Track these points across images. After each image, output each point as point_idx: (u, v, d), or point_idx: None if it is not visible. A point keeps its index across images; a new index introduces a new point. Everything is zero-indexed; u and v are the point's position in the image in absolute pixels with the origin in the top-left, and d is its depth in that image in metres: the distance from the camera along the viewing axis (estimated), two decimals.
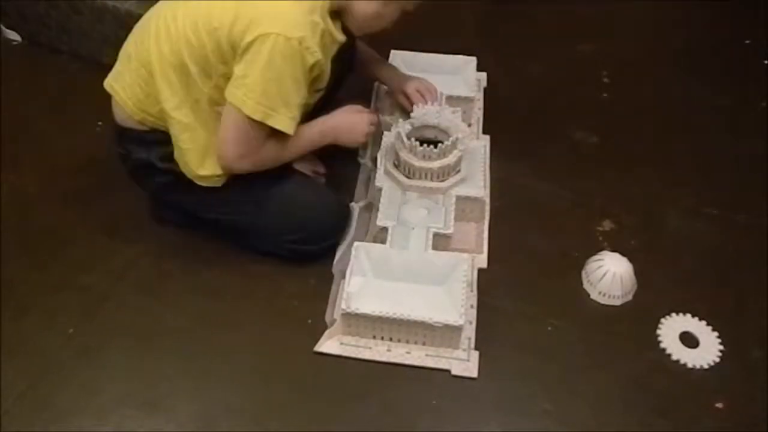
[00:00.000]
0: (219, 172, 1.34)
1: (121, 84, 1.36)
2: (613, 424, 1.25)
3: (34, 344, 1.35)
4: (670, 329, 1.39)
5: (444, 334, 1.30)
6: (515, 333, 1.38)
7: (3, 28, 2.05)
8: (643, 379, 1.32)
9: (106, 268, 1.47)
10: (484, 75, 1.90)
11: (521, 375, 1.32)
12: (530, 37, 2.12)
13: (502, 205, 1.59)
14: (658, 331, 1.38)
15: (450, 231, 1.42)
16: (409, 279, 1.36)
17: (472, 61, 1.81)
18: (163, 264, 1.49)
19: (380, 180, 1.52)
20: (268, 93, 1.21)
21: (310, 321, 1.39)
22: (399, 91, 1.64)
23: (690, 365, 1.33)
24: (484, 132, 1.75)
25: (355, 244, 1.39)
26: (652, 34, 2.17)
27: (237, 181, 1.37)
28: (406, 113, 1.64)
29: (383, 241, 1.41)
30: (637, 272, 1.45)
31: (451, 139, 1.48)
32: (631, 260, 1.45)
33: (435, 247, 1.40)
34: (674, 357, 1.34)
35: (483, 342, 1.35)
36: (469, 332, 1.35)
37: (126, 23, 1.80)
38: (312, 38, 1.21)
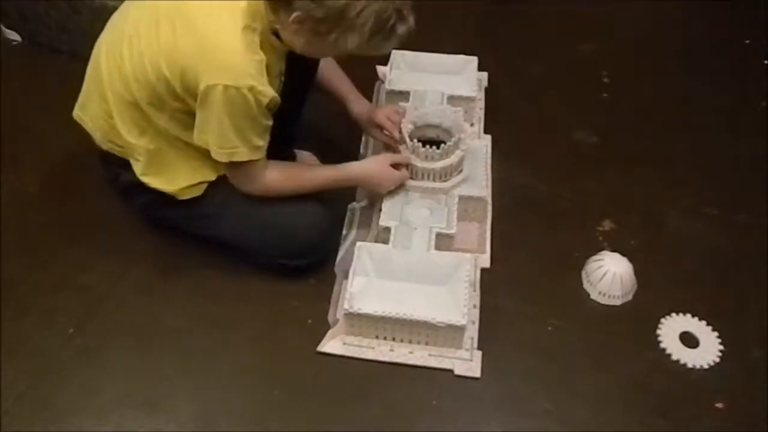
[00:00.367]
0: (193, 181, 1.35)
1: (88, 115, 1.38)
2: (613, 424, 1.25)
3: (34, 344, 1.35)
4: (670, 329, 1.39)
5: (447, 334, 1.30)
6: (515, 333, 1.38)
7: (3, 28, 2.05)
8: (643, 379, 1.32)
9: (106, 268, 1.47)
10: (485, 75, 1.90)
11: (521, 375, 1.32)
12: (530, 37, 2.12)
13: (502, 205, 1.59)
14: (658, 331, 1.38)
15: (453, 231, 1.42)
16: (412, 279, 1.36)
17: (473, 60, 1.81)
18: (163, 264, 1.49)
19: None
20: (227, 137, 1.22)
21: (310, 321, 1.39)
22: (371, 125, 1.54)
23: (690, 365, 1.33)
24: (485, 132, 1.75)
25: (358, 244, 1.39)
26: (652, 34, 2.17)
27: (217, 199, 1.37)
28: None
29: (386, 242, 1.41)
30: (637, 272, 1.45)
31: (453, 139, 1.48)
32: (631, 260, 1.45)
33: (438, 247, 1.40)
34: (674, 357, 1.34)
35: (484, 342, 1.35)
36: (472, 332, 1.36)
37: None
38: (261, 81, 1.19)
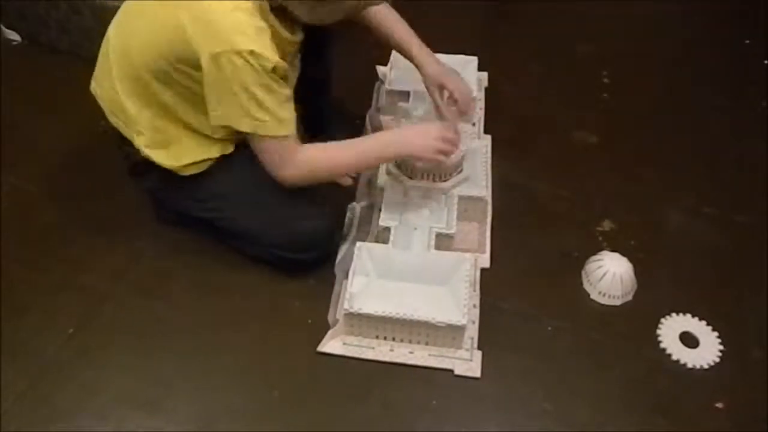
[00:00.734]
0: (197, 158, 1.34)
1: (101, 88, 1.39)
2: (613, 424, 1.25)
3: (34, 344, 1.35)
4: (670, 329, 1.39)
5: (447, 334, 1.30)
6: (515, 333, 1.38)
7: (3, 28, 2.05)
8: (643, 379, 1.32)
9: (106, 268, 1.47)
10: (485, 75, 1.89)
11: (521, 375, 1.32)
12: (530, 37, 2.12)
13: (501, 205, 1.59)
14: (658, 331, 1.38)
15: (452, 231, 1.42)
16: (412, 279, 1.36)
17: (473, 60, 1.81)
18: (163, 264, 1.49)
19: (382, 180, 1.52)
20: (247, 108, 1.20)
21: (310, 321, 1.39)
22: (436, 83, 1.50)
23: (690, 365, 1.33)
24: (485, 132, 1.75)
25: (358, 244, 1.39)
26: (652, 34, 2.17)
27: (223, 179, 1.36)
28: (407, 114, 1.64)
29: (386, 241, 1.41)
30: (637, 272, 1.45)
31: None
32: (631, 260, 1.45)
33: (438, 247, 1.40)
34: (674, 357, 1.34)
35: (483, 342, 1.35)
36: (472, 332, 1.36)
37: None
38: (262, 45, 1.17)
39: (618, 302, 1.43)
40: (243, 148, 1.34)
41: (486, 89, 1.87)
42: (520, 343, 1.36)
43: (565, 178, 1.69)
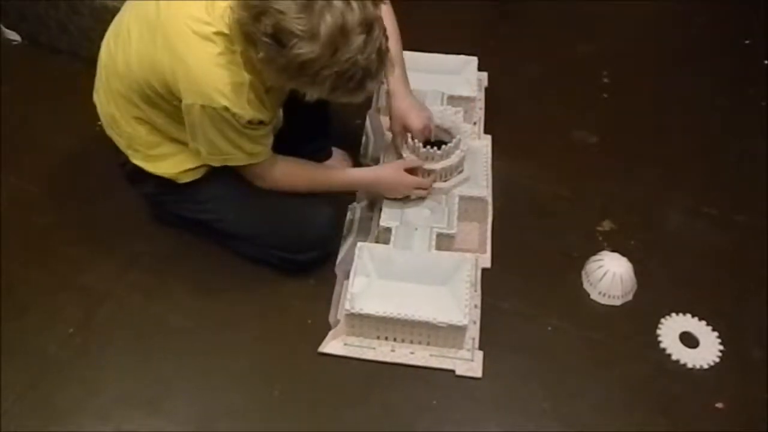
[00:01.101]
0: (193, 165, 1.35)
1: (98, 100, 1.39)
2: (613, 424, 1.25)
3: (34, 344, 1.35)
4: (670, 329, 1.39)
5: (448, 334, 1.30)
6: (515, 333, 1.38)
7: (3, 28, 2.05)
8: (643, 379, 1.32)
9: (106, 268, 1.47)
10: (485, 75, 1.89)
11: (521, 375, 1.32)
12: (530, 37, 2.12)
13: (501, 204, 1.59)
14: (658, 331, 1.38)
15: (453, 231, 1.42)
16: (413, 279, 1.36)
17: (473, 60, 1.81)
18: (163, 264, 1.49)
19: None
20: (217, 147, 1.24)
21: (310, 321, 1.39)
22: (399, 124, 1.49)
23: (690, 365, 1.33)
24: (485, 132, 1.75)
25: (359, 244, 1.39)
26: (652, 34, 2.17)
27: (222, 181, 1.37)
28: None
29: (387, 242, 1.41)
30: (637, 272, 1.45)
31: (455, 139, 1.48)
32: (631, 260, 1.45)
33: (438, 247, 1.40)
34: (674, 357, 1.34)
35: (483, 342, 1.35)
36: (473, 332, 1.36)
37: None
38: (237, 103, 1.18)
39: (618, 302, 1.43)
40: None
41: (486, 89, 1.87)
42: (520, 343, 1.36)
43: (565, 178, 1.69)
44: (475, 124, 1.74)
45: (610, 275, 1.42)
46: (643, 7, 2.24)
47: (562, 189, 1.66)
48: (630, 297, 1.45)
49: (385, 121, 1.69)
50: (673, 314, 1.41)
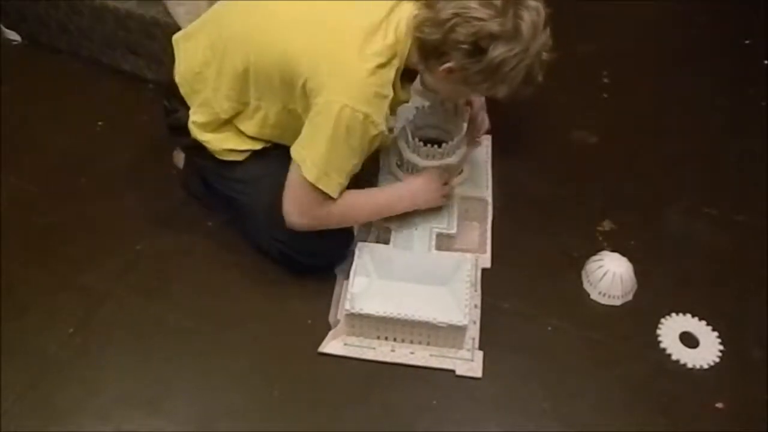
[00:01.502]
0: (239, 148, 1.36)
1: (187, 47, 1.36)
2: (613, 424, 1.25)
3: (34, 344, 1.35)
4: (670, 329, 1.39)
5: (448, 334, 1.30)
6: (515, 333, 1.38)
7: (3, 28, 2.05)
8: (643, 379, 1.32)
9: (106, 268, 1.47)
10: None
11: (521, 375, 1.32)
12: None
13: (501, 204, 1.59)
14: (658, 331, 1.38)
15: (453, 231, 1.43)
16: (413, 279, 1.36)
17: None
18: (163, 264, 1.49)
19: (384, 180, 1.52)
20: (326, 157, 1.22)
21: (310, 321, 1.39)
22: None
23: (690, 365, 1.33)
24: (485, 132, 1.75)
25: (359, 244, 1.39)
26: (652, 34, 2.17)
27: (256, 167, 1.37)
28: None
29: (387, 242, 1.41)
30: (637, 272, 1.45)
31: (456, 139, 1.48)
32: (631, 260, 1.45)
33: (438, 247, 1.40)
34: (674, 357, 1.34)
35: (483, 342, 1.35)
36: (473, 332, 1.36)
37: (126, 23, 1.80)
38: (378, 113, 1.20)
39: (618, 302, 1.43)
40: (281, 145, 1.36)
41: None
42: (520, 343, 1.36)
43: (565, 178, 1.69)
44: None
45: (610, 275, 1.42)
46: (643, 7, 2.24)
47: (562, 189, 1.66)
48: (630, 297, 1.45)
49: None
50: (673, 314, 1.41)
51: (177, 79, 1.36)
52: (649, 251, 1.52)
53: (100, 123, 1.79)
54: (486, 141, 1.70)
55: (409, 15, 1.19)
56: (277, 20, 1.25)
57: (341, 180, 1.26)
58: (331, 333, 1.35)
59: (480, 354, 1.33)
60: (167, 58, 1.42)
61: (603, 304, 1.44)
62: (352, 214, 1.38)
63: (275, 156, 1.35)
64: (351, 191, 1.32)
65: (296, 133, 1.25)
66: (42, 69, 1.96)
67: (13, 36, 2.05)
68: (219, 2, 1.36)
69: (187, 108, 1.36)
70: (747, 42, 2.11)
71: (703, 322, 1.39)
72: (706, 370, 1.33)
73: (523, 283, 1.46)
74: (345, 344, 1.34)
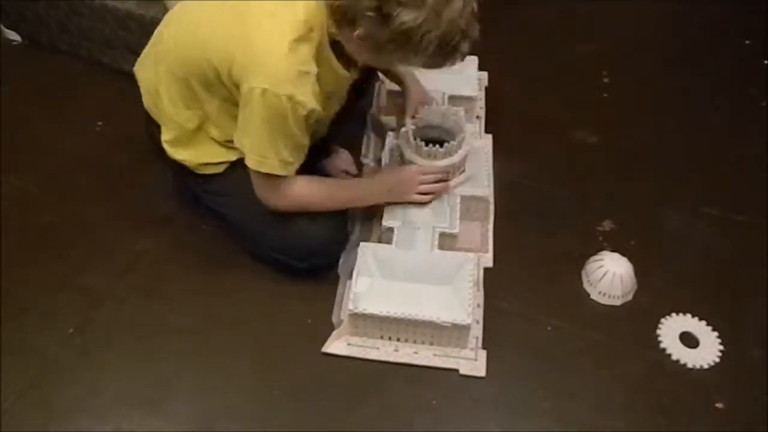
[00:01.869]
0: (215, 160, 1.37)
1: (142, 73, 1.41)
2: (613, 424, 1.25)
3: (34, 344, 1.35)
4: (670, 329, 1.39)
5: (452, 334, 1.30)
6: (515, 333, 1.38)
7: (3, 28, 2.05)
8: (643, 379, 1.32)
9: (106, 268, 1.47)
10: (485, 74, 1.90)
11: (521, 375, 1.32)
12: (530, 37, 2.12)
13: (501, 204, 1.59)
14: (658, 331, 1.38)
15: (456, 230, 1.43)
16: (416, 279, 1.36)
17: (473, 60, 1.81)
18: (163, 264, 1.49)
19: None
20: (260, 143, 1.23)
21: (310, 321, 1.39)
22: (419, 102, 1.56)
23: (690, 365, 1.33)
24: (486, 131, 1.75)
25: (362, 244, 1.39)
26: (652, 34, 2.17)
27: (233, 179, 1.38)
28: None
29: (389, 242, 1.41)
30: (637, 272, 1.45)
31: (458, 138, 1.48)
32: (631, 260, 1.45)
33: (441, 247, 1.40)
34: (674, 357, 1.34)
35: (484, 341, 1.35)
36: (477, 331, 1.36)
37: (126, 23, 1.81)
38: (303, 92, 1.18)
39: (618, 302, 1.43)
40: None
41: (486, 89, 1.87)
42: (521, 343, 1.36)
43: (565, 178, 1.69)
44: (478, 117, 1.74)
45: (610, 275, 1.42)
46: (643, 7, 2.24)
47: (562, 189, 1.66)
48: (630, 297, 1.45)
49: (386, 120, 1.69)
50: (673, 314, 1.41)
51: (146, 105, 1.41)
52: (649, 251, 1.52)
53: (100, 123, 1.79)
54: (487, 140, 1.71)
55: None
56: (197, 22, 1.26)
57: (285, 158, 1.25)
58: (334, 333, 1.35)
59: (483, 353, 1.33)
60: None
61: (603, 304, 1.44)
62: (330, 199, 1.39)
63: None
64: (331, 179, 1.37)
65: None
66: (42, 69, 1.96)
67: (13, 36, 2.05)
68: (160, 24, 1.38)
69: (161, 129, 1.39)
70: (747, 42, 2.11)
71: (703, 322, 1.39)
72: (706, 370, 1.33)
73: (523, 283, 1.46)
74: (348, 344, 1.34)
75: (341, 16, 1.15)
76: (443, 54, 1.16)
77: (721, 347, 1.36)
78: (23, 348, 1.34)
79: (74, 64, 1.95)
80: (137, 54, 1.43)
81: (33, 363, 1.32)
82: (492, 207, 1.57)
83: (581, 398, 1.29)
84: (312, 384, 1.30)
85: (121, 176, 1.65)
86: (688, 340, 1.37)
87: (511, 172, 1.67)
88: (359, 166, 1.67)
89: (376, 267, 1.37)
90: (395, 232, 1.42)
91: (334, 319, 1.38)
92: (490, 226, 1.55)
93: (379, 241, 1.45)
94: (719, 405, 1.28)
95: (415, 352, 1.33)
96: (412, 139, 1.47)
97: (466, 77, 1.77)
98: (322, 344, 1.34)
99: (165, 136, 1.38)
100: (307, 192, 1.35)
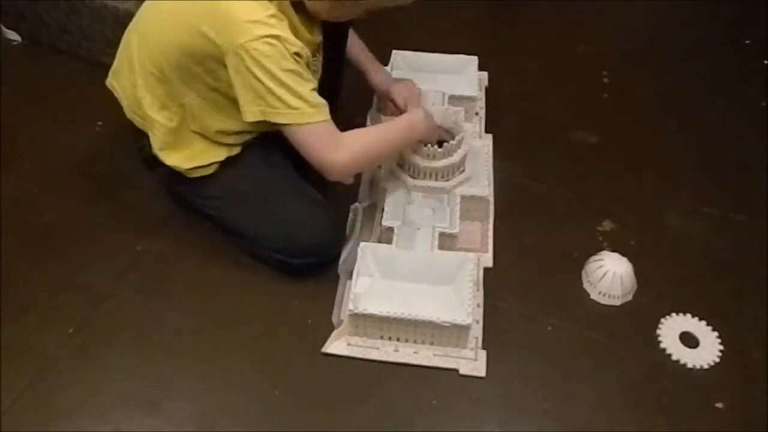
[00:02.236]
0: (204, 162, 1.37)
1: (119, 83, 1.41)
2: (613, 424, 1.25)
3: (34, 344, 1.35)
4: (670, 329, 1.39)
5: (452, 334, 1.30)
6: (515, 333, 1.38)
7: (3, 28, 2.05)
8: (643, 379, 1.32)
9: (106, 268, 1.47)
10: (485, 74, 1.90)
11: (521, 375, 1.32)
12: (530, 37, 2.12)
13: (501, 204, 1.59)
14: (658, 331, 1.38)
15: (456, 230, 1.43)
16: (416, 279, 1.36)
17: (473, 60, 1.81)
18: (163, 264, 1.49)
19: (385, 180, 1.52)
20: (259, 93, 1.20)
21: (310, 321, 1.39)
22: (386, 97, 1.61)
23: (690, 365, 1.33)
24: (486, 131, 1.75)
25: (362, 244, 1.39)
26: (651, 34, 2.17)
27: (224, 181, 1.38)
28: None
29: (389, 242, 1.41)
30: (637, 272, 1.45)
31: (457, 138, 1.48)
32: (631, 260, 1.45)
33: (441, 247, 1.40)
34: (674, 357, 1.34)
35: (484, 341, 1.35)
36: (477, 331, 1.36)
37: (126, 23, 1.80)
38: (282, 30, 1.18)
39: (618, 302, 1.43)
40: (248, 151, 1.38)
41: (486, 89, 1.87)
42: (520, 343, 1.36)
43: (565, 178, 1.69)
44: (477, 114, 1.74)
45: (610, 275, 1.42)
46: (643, 7, 2.24)
47: (562, 189, 1.66)
48: (630, 297, 1.45)
49: (386, 120, 1.69)
50: (673, 314, 1.41)
51: (128, 116, 1.40)
52: (649, 251, 1.52)
53: (100, 123, 1.79)
54: (487, 140, 1.71)
55: None
56: (161, 11, 1.27)
57: (312, 101, 1.22)
58: (334, 333, 1.35)
59: (483, 353, 1.33)
60: None
61: (603, 304, 1.44)
62: (383, 142, 1.38)
63: (242, 166, 1.38)
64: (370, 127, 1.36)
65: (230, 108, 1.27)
66: (42, 69, 1.96)
67: (13, 36, 2.05)
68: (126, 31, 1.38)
69: (149, 140, 1.39)
70: (747, 42, 2.12)
71: (703, 322, 1.39)
72: (706, 370, 1.33)
73: (523, 283, 1.46)
74: (348, 344, 1.34)
75: None
76: None
77: (721, 347, 1.36)
78: (23, 348, 1.34)
79: (74, 64, 1.95)
80: None
81: (33, 363, 1.32)
82: (492, 207, 1.57)
83: (581, 398, 1.29)
84: (312, 384, 1.30)
85: (122, 176, 1.65)
86: (688, 340, 1.37)
87: (511, 172, 1.67)
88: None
89: (376, 267, 1.37)
90: (395, 232, 1.42)
91: (334, 319, 1.38)
92: (490, 226, 1.55)
93: (379, 241, 1.45)
94: (719, 405, 1.28)
95: (415, 352, 1.33)
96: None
97: (466, 77, 1.77)
98: (322, 344, 1.34)
99: (154, 144, 1.37)
100: (360, 138, 1.32)
